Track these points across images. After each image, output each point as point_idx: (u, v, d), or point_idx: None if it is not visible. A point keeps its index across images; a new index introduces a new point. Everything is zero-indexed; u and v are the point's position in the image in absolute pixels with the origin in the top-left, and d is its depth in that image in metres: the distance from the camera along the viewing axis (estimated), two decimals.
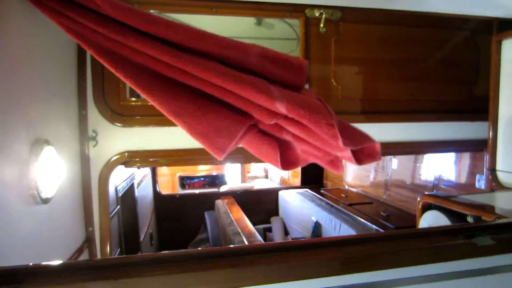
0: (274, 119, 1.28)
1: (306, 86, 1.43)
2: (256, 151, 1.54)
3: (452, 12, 2.30)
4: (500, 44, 2.29)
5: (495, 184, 2.27)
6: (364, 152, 1.35)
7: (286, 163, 1.53)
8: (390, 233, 1.15)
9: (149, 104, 2.19)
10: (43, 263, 0.89)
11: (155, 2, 2.03)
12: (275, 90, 1.22)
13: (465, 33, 2.59)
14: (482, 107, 2.44)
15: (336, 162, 1.47)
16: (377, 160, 1.36)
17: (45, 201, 1.47)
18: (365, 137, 1.31)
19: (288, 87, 1.33)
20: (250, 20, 2.73)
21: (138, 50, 1.20)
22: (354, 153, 1.31)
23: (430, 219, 1.99)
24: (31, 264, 0.86)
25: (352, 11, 2.32)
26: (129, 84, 1.26)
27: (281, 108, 1.20)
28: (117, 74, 1.25)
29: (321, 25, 2.29)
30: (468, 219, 1.38)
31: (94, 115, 2.10)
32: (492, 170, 2.28)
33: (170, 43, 1.21)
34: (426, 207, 2.05)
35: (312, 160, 1.55)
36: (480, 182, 3.37)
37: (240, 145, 2.30)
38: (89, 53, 2.02)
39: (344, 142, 1.20)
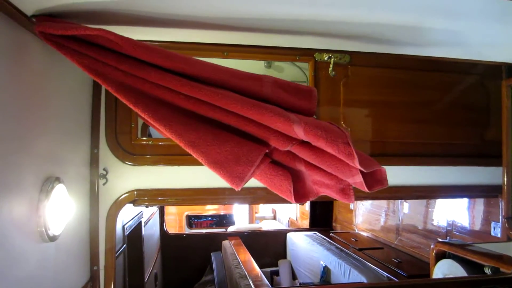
0: (289, 145, 1.32)
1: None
2: (269, 183, 1.54)
3: (460, 57, 2.33)
4: (511, 89, 2.29)
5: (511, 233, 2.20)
6: (373, 177, 1.37)
7: (298, 196, 1.53)
8: (406, 283, 1.10)
9: (160, 143, 2.24)
10: None
11: (169, 46, 2.10)
12: (291, 115, 1.27)
13: (474, 77, 2.60)
14: (495, 152, 2.41)
15: (347, 191, 1.47)
16: (385, 186, 1.38)
17: (52, 238, 1.46)
18: (373, 162, 1.33)
19: (300, 114, 1.36)
20: (260, 63, 2.79)
21: (157, 84, 1.26)
22: (364, 178, 1.32)
23: (445, 268, 1.92)
24: None
25: (361, 55, 2.36)
26: (146, 118, 1.30)
27: (298, 130, 1.23)
28: (135, 109, 1.30)
29: (330, 68, 2.33)
30: (485, 270, 1.33)
31: (105, 154, 2.12)
32: (509, 218, 2.21)
33: (188, 77, 1.27)
34: (440, 255, 1.98)
35: (322, 191, 1.55)
36: (496, 230, 3.26)
37: (249, 185, 2.30)
38: (103, 93, 2.11)
39: (358, 162, 1.22)
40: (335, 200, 6.84)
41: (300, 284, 5.74)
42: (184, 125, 1.31)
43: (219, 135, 1.32)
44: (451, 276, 1.87)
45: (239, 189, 1.29)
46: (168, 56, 1.24)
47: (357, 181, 1.35)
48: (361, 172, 1.30)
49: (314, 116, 1.47)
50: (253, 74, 1.36)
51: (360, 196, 2.96)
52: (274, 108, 1.26)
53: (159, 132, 2.55)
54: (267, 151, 1.39)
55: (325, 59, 2.33)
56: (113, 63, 1.24)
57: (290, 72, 2.88)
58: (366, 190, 1.35)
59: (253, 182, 2.31)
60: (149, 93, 1.30)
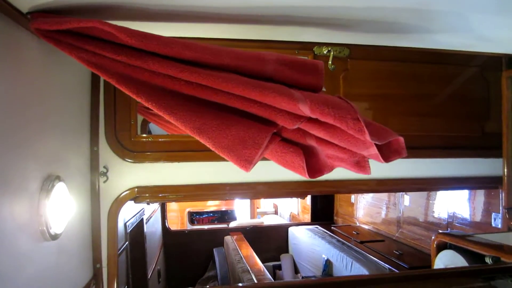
0: (298, 123, 1.29)
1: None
2: (281, 161, 1.51)
3: (460, 49, 2.32)
4: (511, 80, 2.28)
5: None
6: (390, 148, 1.34)
7: (312, 171, 1.50)
8: (407, 274, 1.10)
9: (160, 140, 2.23)
10: None
11: None
12: (296, 92, 1.23)
13: (474, 69, 2.59)
14: (495, 143, 2.41)
15: (362, 163, 1.45)
16: (403, 155, 1.34)
17: (54, 237, 1.46)
18: (389, 132, 1.29)
19: (307, 90, 1.33)
20: None
21: (157, 72, 1.24)
22: (380, 150, 1.29)
23: (446, 259, 1.92)
24: None
25: (360, 48, 2.35)
26: (151, 107, 1.29)
27: (304, 109, 1.20)
28: (139, 99, 1.28)
29: (330, 62, 2.32)
30: (486, 260, 1.33)
31: (105, 151, 2.11)
32: (509, 208, 2.21)
33: (188, 62, 1.24)
34: (441, 246, 1.99)
35: (338, 164, 1.52)
36: (497, 221, 3.27)
37: (250, 180, 2.30)
38: (102, 90, 2.11)
39: (370, 137, 1.19)
40: (337, 193, 6.82)
41: (302, 277, 5.76)
42: (188, 111, 1.28)
43: (225, 119, 1.30)
44: (452, 266, 1.88)
45: (249, 171, 1.27)
46: (166, 42, 1.21)
47: (372, 153, 1.32)
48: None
49: (324, 89, 1.43)
50: (255, 53, 1.33)
51: (361, 189, 2.97)
52: (277, 88, 1.23)
53: (161, 127, 2.55)
54: (274, 131, 1.36)
55: (324, 52, 2.32)
56: (111, 54, 1.22)
57: None
58: (383, 161, 1.31)
59: (253, 177, 2.33)
60: (150, 82, 1.28)
